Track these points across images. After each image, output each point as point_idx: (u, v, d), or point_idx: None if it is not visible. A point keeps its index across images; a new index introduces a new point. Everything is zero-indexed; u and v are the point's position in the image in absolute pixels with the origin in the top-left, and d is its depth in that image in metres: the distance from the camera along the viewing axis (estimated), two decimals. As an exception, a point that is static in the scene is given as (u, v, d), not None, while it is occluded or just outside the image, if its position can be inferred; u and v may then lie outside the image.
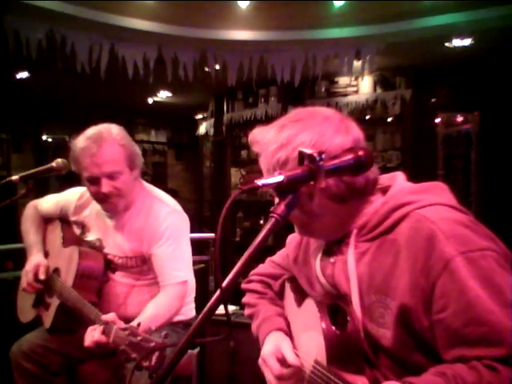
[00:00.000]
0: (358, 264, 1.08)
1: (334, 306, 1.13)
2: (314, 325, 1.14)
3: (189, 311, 2.16)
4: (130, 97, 6.61)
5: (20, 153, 7.05)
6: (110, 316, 1.67)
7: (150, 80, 4.55)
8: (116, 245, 2.03)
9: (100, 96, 6.41)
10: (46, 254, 2.14)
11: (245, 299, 1.49)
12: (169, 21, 4.13)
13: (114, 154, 1.89)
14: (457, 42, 4.34)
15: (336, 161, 0.98)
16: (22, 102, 6.50)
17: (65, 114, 6.90)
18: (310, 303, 1.22)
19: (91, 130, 1.92)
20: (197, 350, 2.24)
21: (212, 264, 3.48)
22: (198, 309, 2.18)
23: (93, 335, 1.64)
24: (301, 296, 1.31)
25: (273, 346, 1.26)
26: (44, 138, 7.47)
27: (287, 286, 1.42)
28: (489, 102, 4.92)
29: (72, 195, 2.17)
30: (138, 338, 1.43)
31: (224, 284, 0.86)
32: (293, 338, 1.32)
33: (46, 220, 2.26)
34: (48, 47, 3.93)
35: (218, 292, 0.86)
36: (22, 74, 5.52)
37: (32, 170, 1.86)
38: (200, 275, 2.97)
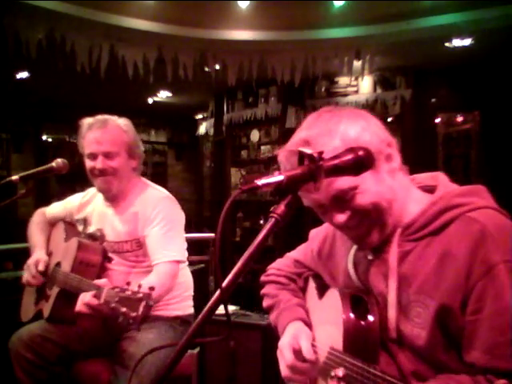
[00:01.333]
0: (400, 263, 1.09)
1: (357, 297, 1.14)
2: (334, 315, 1.14)
3: (186, 307, 2.17)
4: (130, 97, 6.61)
5: (20, 153, 7.05)
6: (102, 280, 1.77)
7: (150, 80, 4.56)
8: (113, 230, 2.11)
9: (100, 96, 6.41)
10: (50, 254, 2.19)
11: (264, 290, 1.49)
12: (169, 21, 4.14)
13: (115, 135, 2.04)
14: (457, 42, 4.35)
15: (336, 161, 0.98)
16: (22, 101, 6.50)
17: (65, 114, 6.89)
18: (332, 293, 1.22)
19: (101, 115, 2.09)
20: (197, 350, 2.24)
21: (212, 264, 3.48)
22: (198, 309, 2.18)
23: (84, 298, 1.72)
24: (323, 291, 1.30)
25: (291, 337, 1.26)
26: (44, 138, 7.47)
27: (311, 282, 1.41)
28: (489, 101, 4.92)
29: (77, 197, 2.29)
30: (127, 293, 1.54)
31: (224, 284, 0.86)
32: (312, 328, 1.31)
33: (51, 224, 2.32)
34: (48, 47, 3.93)
35: (218, 292, 0.86)
36: (22, 74, 5.52)
37: (32, 170, 1.86)
38: (200, 275, 2.97)
